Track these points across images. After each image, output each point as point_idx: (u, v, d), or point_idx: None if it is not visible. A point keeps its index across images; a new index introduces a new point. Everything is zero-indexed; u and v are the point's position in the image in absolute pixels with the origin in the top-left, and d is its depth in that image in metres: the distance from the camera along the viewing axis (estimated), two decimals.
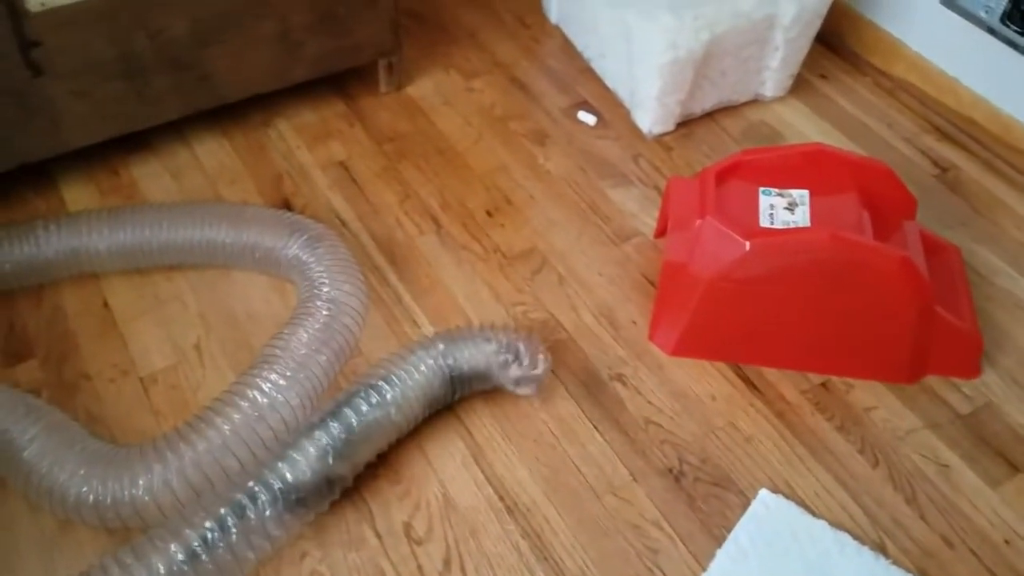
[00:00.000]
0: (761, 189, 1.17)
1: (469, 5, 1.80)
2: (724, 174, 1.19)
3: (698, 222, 1.15)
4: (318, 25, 1.43)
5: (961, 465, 1.08)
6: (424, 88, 1.61)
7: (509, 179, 1.45)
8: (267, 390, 1.02)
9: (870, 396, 1.15)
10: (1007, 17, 1.35)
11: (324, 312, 1.11)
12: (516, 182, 1.45)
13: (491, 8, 1.80)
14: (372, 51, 1.52)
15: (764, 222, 1.14)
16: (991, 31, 1.39)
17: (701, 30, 1.36)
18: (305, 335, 1.09)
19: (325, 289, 1.13)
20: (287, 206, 1.39)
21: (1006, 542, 1.01)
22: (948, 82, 1.48)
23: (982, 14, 1.39)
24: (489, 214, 1.39)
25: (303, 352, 1.07)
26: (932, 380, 1.16)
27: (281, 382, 1.03)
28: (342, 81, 1.59)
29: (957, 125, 1.50)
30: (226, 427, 0.99)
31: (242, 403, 1.01)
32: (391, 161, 1.47)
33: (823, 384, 1.16)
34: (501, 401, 1.14)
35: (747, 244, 1.09)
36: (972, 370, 1.17)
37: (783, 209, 1.14)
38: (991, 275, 1.29)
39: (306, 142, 1.50)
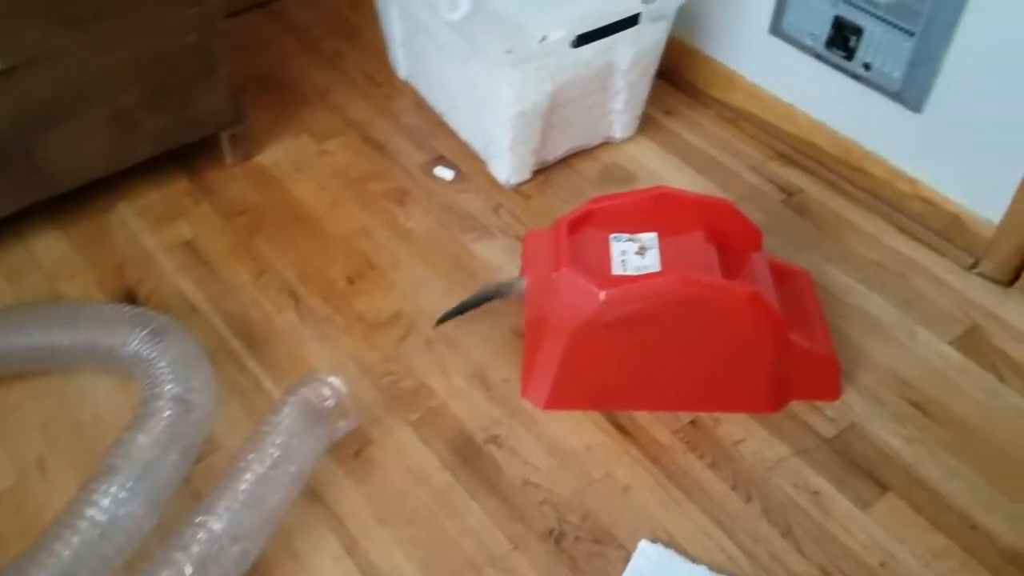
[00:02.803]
0: (612, 235, 1.18)
1: (317, 66, 1.77)
2: (576, 224, 1.19)
3: (554, 275, 1.14)
4: (152, 102, 1.37)
5: (831, 490, 1.09)
6: (274, 155, 1.57)
7: (370, 242, 1.42)
8: (106, 506, 0.95)
9: (738, 429, 1.16)
10: (831, 43, 1.41)
11: (167, 412, 1.04)
12: (378, 244, 1.42)
13: (340, 67, 1.77)
14: (213, 123, 1.46)
15: (617, 269, 1.14)
16: (818, 57, 1.45)
17: (544, 81, 1.37)
18: (146, 439, 1.02)
19: (168, 387, 1.07)
20: (131, 296, 1.31)
21: (881, 565, 1.03)
22: (786, 109, 1.54)
23: (808, 42, 1.44)
24: (351, 281, 1.36)
25: (145, 459, 1.01)
26: (796, 406, 1.18)
27: (122, 495, 0.96)
28: (186, 156, 1.52)
29: (799, 150, 1.55)
30: (66, 552, 0.91)
31: (80, 524, 0.94)
32: (243, 236, 1.41)
33: (692, 422, 1.17)
34: (373, 481, 1.10)
35: (602, 294, 1.09)
36: (833, 392, 1.19)
37: (634, 254, 1.15)
38: (842, 294, 1.33)
39: (150, 224, 1.43)
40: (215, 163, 1.53)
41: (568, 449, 1.14)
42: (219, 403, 1.14)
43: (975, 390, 1.20)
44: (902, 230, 1.43)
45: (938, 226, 1.39)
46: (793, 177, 1.53)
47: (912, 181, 1.41)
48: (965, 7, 1.23)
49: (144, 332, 1.14)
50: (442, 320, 1.27)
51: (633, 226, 1.18)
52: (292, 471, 1.03)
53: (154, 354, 1.12)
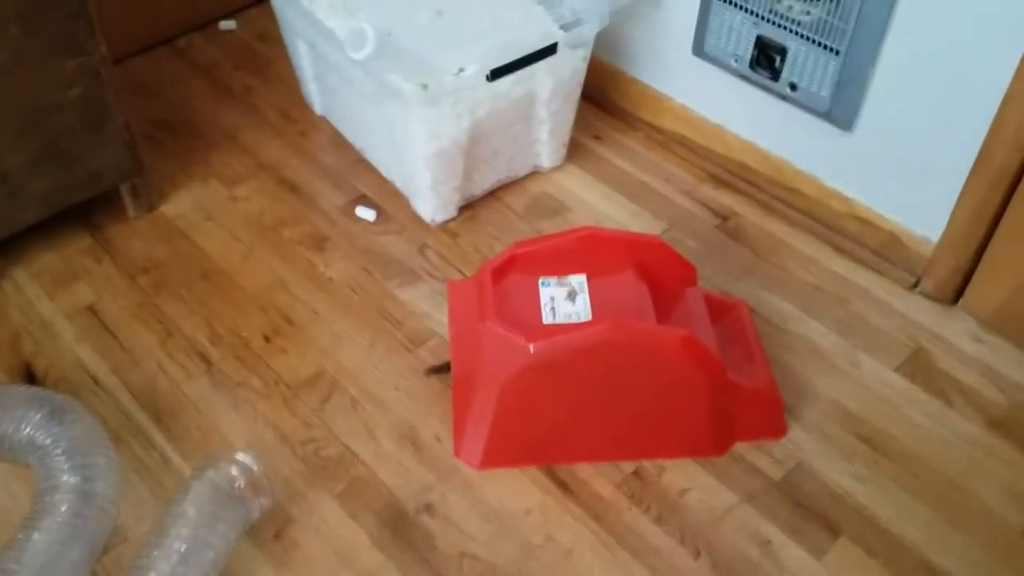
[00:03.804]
0: (541, 280, 1.11)
1: (226, 104, 1.67)
2: (500, 271, 1.12)
3: (480, 327, 1.08)
4: (40, 161, 1.26)
5: (783, 538, 1.04)
6: (181, 205, 1.47)
7: (287, 295, 1.33)
8: None
9: (683, 477, 1.10)
10: (755, 63, 1.37)
11: (64, 507, 0.95)
12: (295, 297, 1.33)
13: (250, 104, 1.68)
14: (111, 177, 1.36)
15: (547, 318, 1.07)
16: (743, 78, 1.40)
17: (461, 117, 1.30)
18: (43, 538, 0.93)
19: (64, 478, 0.98)
20: (29, 371, 1.21)
21: None
22: (715, 130, 1.49)
23: (732, 63, 1.40)
24: (267, 340, 1.27)
25: (42, 560, 0.91)
26: (741, 447, 1.13)
27: None
28: (86, 211, 1.42)
29: (731, 171, 1.50)
30: None
31: None
32: (148, 296, 1.32)
33: (635, 472, 1.11)
34: (296, 565, 1.01)
35: (531, 347, 1.02)
36: (777, 430, 1.14)
37: (564, 300, 1.08)
38: (783, 322, 1.29)
39: (47, 289, 1.32)
40: (117, 217, 1.43)
41: (506, 513, 1.07)
42: (125, 488, 1.05)
43: (923, 418, 1.16)
44: (840, 251, 1.39)
45: (875, 245, 1.36)
46: (727, 200, 1.48)
47: (847, 200, 1.37)
48: (890, 24, 1.19)
49: (39, 415, 1.05)
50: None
51: (561, 268, 1.12)
52: (203, 564, 0.94)
53: (49, 440, 1.02)
